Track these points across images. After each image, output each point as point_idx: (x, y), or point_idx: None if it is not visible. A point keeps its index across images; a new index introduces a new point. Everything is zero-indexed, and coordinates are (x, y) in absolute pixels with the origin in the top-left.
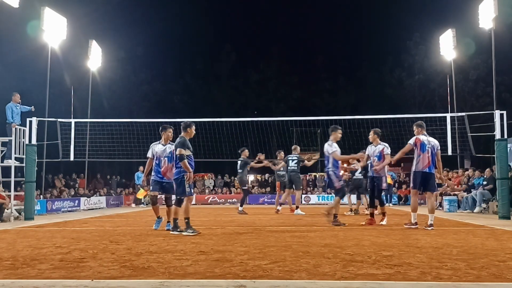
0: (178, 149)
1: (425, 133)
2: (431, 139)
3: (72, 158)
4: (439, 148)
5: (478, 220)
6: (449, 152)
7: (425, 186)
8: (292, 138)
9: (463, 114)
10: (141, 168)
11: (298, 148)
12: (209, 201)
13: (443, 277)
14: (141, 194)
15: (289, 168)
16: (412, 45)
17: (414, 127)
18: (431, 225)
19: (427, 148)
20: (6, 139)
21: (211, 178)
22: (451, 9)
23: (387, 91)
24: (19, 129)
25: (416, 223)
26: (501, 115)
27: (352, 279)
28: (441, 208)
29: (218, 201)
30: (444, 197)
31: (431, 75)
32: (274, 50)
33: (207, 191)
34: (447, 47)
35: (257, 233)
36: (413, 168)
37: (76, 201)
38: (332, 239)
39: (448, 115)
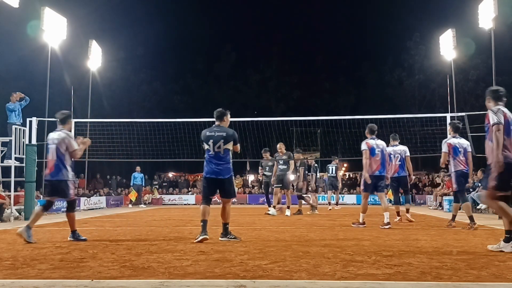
0: (238, 145)
1: (374, 137)
2: (379, 142)
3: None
4: (387, 150)
5: (478, 220)
6: None
7: (376, 188)
8: (292, 138)
9: (463, 114)
10: (137, 168)
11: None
12: None
13: (443, 277)
14: (132, 195)
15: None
16: (412, 45)
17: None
18: (388, 223)
19: (376, 152)
20: (6, 139)
21: None
22: (451, 9)
23: (387, 91)
24: (19, 129)
25: (364, 223)
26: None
27: (352, 279)
28: (441, 208)
29: (218, 201)
30: (444, 197)
31: (431, 75)
32: (274, 50)
33: None
34: (447, 47)
35: (257, 233)
36: (364, 172)
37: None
38: (332, 239)
39: (448, 115)
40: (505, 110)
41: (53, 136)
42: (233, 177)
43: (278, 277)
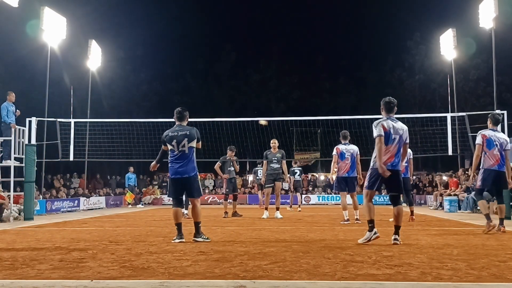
0: (200, 142)
1: (347, 142)
2: (350, 146)
3: (71, 158)
4: (358, 153)
5: (478, 220)
6: (450, 152)
7: (348, 188)
8: (292, 138)
9: (464, 114)
10: (131, 168)
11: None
12: (209, 201)
13: (443, 277)
14: (129, 197)
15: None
16: (413, 45)
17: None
18: (357, 219)
19: (346, 156)
20: (2, 139)
21: (211, 178)
22: (451, 9)
23: (388, 91)
24: (18, 129)
25: (348, 219)
26: (502, 115)
27: (352, 279)
28: (441, 208)
29: (218, 201)
30: (444, 197)
31: (431, 75)
32: (274, 50)
33: (206, 191)
34: (448, 46)
35: (257, 233)
36: (331, 175)
37: (76, 201)
38: (332, 239)
39: (449, 115)
40: (386, 123)
41: None
42: (198, 176)
43: (278, 277)
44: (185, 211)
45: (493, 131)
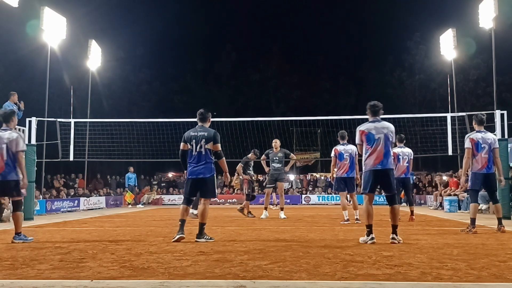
0: (219, 144)
1: (345, 142)
2: (348, 147)
3: (71, 158)
4: (356, 153)
5: (478, 220)
6: (450, 152)
7: (347, 188)
8: (292, 138)
9: (464, 114)
10: (131, 168)
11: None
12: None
13: (443, 277)
14: (129, 197)
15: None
16: (413, 45)
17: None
18: (357, 219)
19: (344, 156)
20: None
21: None
22: (451, 9)
23: (388, 91)
24: (18, 129)
25: (348, 220)
26: (502, 115)
27: (352, 279)
28: (441, 208)
29: (218, 201)
30: (444, 198)
31: (431, 75)
32: (274, 50)
33: None
34: (448, 46)
35: (257, 233)
36: (335, 175)
37: (76, 201)
38: (332, 239)
39: (449, 115)
40: (364, 127)
41: (3, 136)
42: (215, 177)
43: (278, 277)
44: (195, 211)
45: (480, 133)
